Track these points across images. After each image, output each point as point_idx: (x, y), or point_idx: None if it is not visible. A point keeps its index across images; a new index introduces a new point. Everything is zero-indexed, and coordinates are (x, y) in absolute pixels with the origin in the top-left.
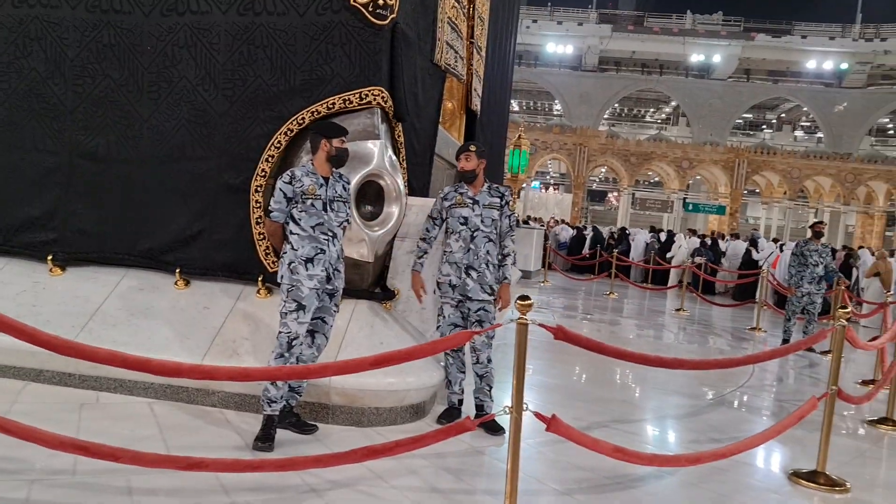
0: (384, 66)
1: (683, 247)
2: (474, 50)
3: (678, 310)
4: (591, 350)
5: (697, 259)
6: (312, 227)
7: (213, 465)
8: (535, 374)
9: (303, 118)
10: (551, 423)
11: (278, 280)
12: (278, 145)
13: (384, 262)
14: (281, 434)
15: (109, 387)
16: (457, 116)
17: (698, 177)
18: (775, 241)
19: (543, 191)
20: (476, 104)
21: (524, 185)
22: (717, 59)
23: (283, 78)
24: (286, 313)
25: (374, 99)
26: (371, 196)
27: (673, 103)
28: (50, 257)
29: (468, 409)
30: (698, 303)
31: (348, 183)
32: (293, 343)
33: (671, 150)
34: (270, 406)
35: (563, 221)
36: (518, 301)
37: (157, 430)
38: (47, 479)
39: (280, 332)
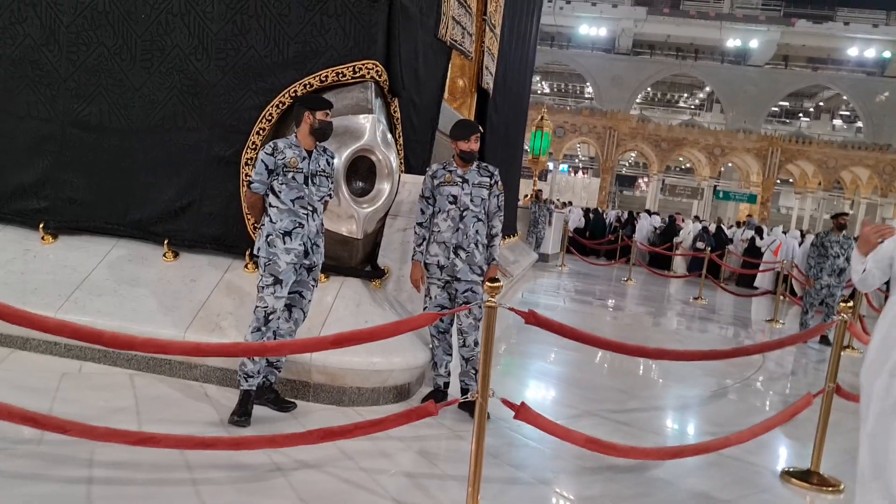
0: (380, 39)
1: (692, 233)
2: (486, 27)
3: (696, 298)
4: (563, 336)
5: (699, 244)
6: (292, 201)
7: (164, 440)
8: (538, 361)
9: (295, 91)
10: (520, 411)
11: (255, 252)
12: (269, 118)
13: (375, 240)
14: (259, 410)
15: (93, 357)
16: (468, 94)
17: (730, 164)
18: (803, 233)
19: (572, 174)
20: (488, 83)
21: (548, 167)
22: (754, 44)
23: (276, 49)
24: (263, 287)
25: (369, 73)
26: (363, 172)
27: (707, 89)
28: (41, 225)
29: (455, 391)
30: (718, 292)
31: (332, 157)
32: (270, 317)
33: (703, 137)
34: (247, 381)
35: (569, 203)
36: (487, 284)
37: (134, 401)
38: (10, 449)
39: (257, 307)
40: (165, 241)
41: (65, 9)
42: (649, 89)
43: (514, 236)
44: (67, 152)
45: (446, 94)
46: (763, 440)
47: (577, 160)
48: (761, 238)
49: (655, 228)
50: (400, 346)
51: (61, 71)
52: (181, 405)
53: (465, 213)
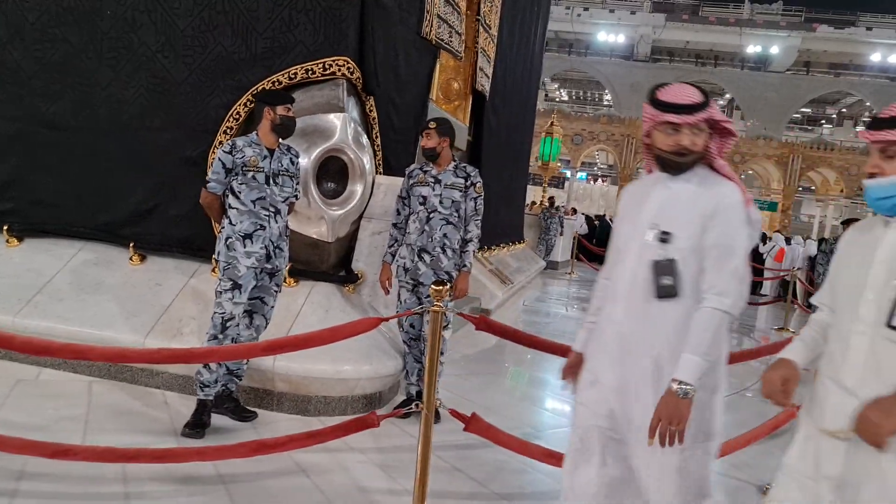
0: (351, 34)
1: None
2: (480, 27)
3: None
4: (511, 340)
5: None
6: (253, 202)
7: (82, 453)
8: (527, 367)
9: (263, 88)
10: (470, 423)
11: (215, 256)
12: (237, 116)
13: (349, 244)
14: (219, 420)
15: (53, 363)
16: (464, 97)
17: (750, 172)
18: (823, 240)
19: (592, 182)
20: (483, 85)
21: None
22: (775, 50)
23: (244, 45)
24: (221, 292)
25: (339, 69)
26: (334, 173)
27: (727, 96)
28: (6, 228)
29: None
30: None
31: (297, 156)
32: (227, 324)
33: None
34: (203, 390)
35: (574, 211)
36: (432, 287)
37: (85, 410)
38: None
39: (214, 313)
40: (131, 245)
41: (30, 6)
42: None
43: (520, 243)
44: (33, 153)
45: (439, 96)
46: (751, 454)
47: (595, 168)
48: (763, 244)
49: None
50: (369, 353)
51: (26, 69)
52: (135, 414)
53: (432, 215)
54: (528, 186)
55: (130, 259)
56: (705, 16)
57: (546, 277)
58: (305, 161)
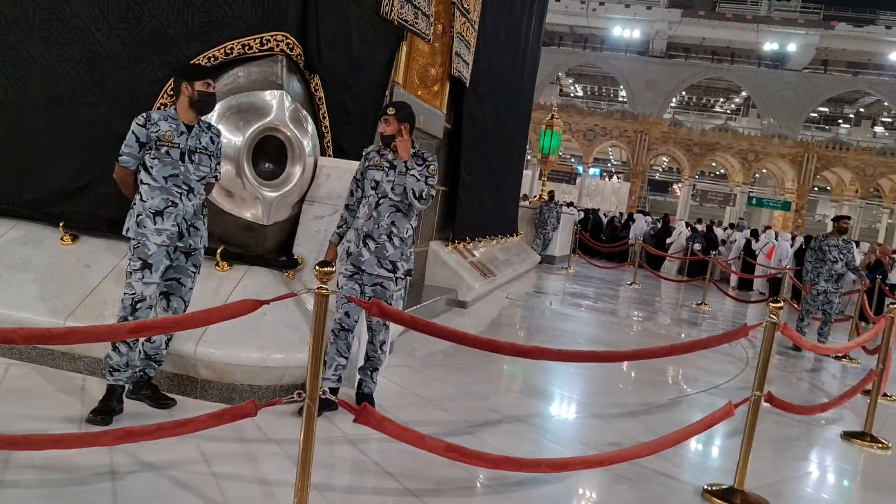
0: (292, 10)
1: (683, 234)
2: (456, 11)
3: (700, 304)
4: (407, 327)
5: (696, 246)
6: (165, 178)
7: None
8: (488, 364)
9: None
10: (360, 414)
11: (124, 233)
12: (171, 93)
13: (290, 228)
14: (135, 406)
15: None
16: (441, 83)
17: (764, 171)
18: (810, 237)
19: (607, 179)
20: (459, 70)
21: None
22: (792, 48)
23: (180, 19)
24: (131, 272)
25: (278, 45)
26: (273, 153)
27: (743, 93)
28: None
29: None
30: (723, 298)
31: (218, 135)
32: (138, 306)
33: (736, 142)
34: (112, 375)
35: (570, 204)
36: (316, 268)
37: None
38: None
39: (124, 294)
40: (61, 224)
41: None
42: (684, 93)
43: (513, 236)
44: None
45: (415, 82)
46: (690, 453)
47: (609, 164)
48: (756, 241)
49: (650, 229)
50: (299, 341)
51: None
52: (46, 399)
53: (381, 201)
54: (537, 180)
55: (61, 239)
56: (722, 12)
57: (541, 272)
58: (239, 140)
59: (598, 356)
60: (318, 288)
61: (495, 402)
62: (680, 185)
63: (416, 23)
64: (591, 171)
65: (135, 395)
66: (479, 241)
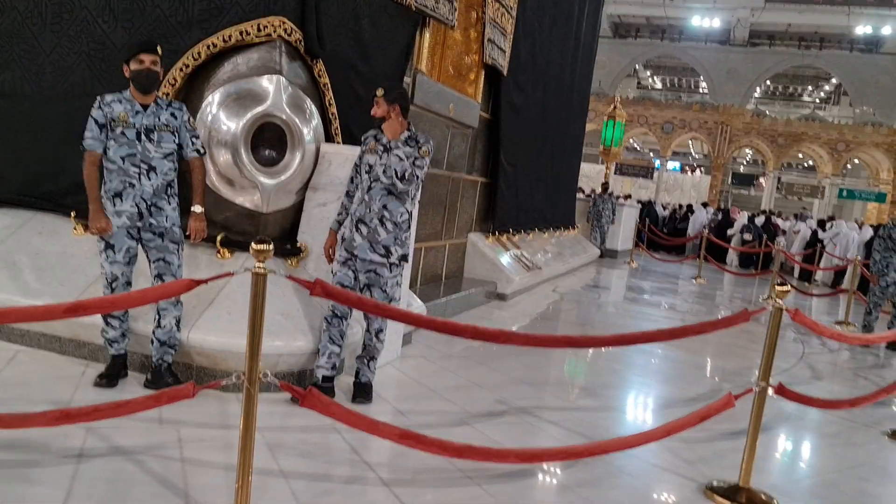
0: None
1: (740, 223)
2: None
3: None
4: (354, 307)
5: (746, 236)
6: (122, 158)
7: None
8: (511, 357)
9: (198, 52)
10: (306, 398)
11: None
12: (173, 82)
13: (294, 216)
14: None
15: None
16: (474, 70)
17: (856, 161)
18: (880, 225)
19: (688, 172)
20: (493, 58)
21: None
22: (887, 31)
23: (181, 7)
24: (99, 253)
25: (275, 30)
26: (273, 140)
27: (834, 80)
28: None
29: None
30: (792, 294)
31: (180, 109)
32: (113, 285)
33: (824, 131)
34: (112, 346)
35: (628, 197)
36: (253, 246)
37: None
38: None
39: (100, 274)
40: (73, 214)
41: None
42: (768, 82)
43: (570, 229)
44: None
45: (449, 71)
46: (694, 447)
47: (690, 157)
48: (823, 230)
49: (710, 221)
50: (293, 328)
51: None
52: (44, 383)
53: (373, 185)
54: (616, 176)
55: (74, 229)
56: None
57: (601, 266)
58: (236, 126)
59: (584, 342)
60: (255, 267)
61: (504, 394)
62: (764, 177)
63: (437, 8)
64: (670, 164)
65: (156, 385)
66: (527, 234)
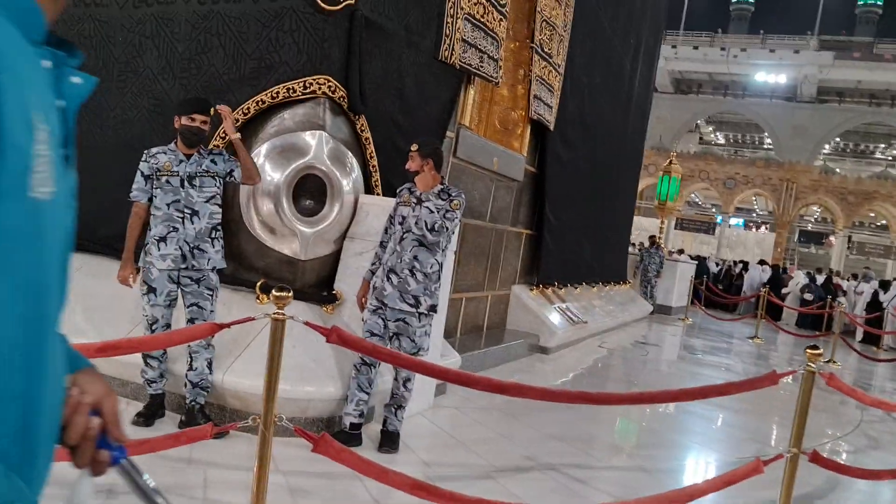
0: (336, 55)
1: (801, 283)
2: (534, 55)
3: (828, 362)
4: (368, 354)
5: (806, 296)
6: (168, 205)
7: None
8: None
9: (248, 108)
10: (318, 444)
11: (138, 263)
12: (224, 136)
13: (333, 264)
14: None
15: None
16: (521, 125)
17: None
18: None
19: (753, 229)
20: (539, 113)
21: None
22: None
23: (234, 66)
24: (142, 296)
25: (320, 88)
26: (314, 191)
27: None
28: None
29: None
30: (854, 356)
31: (220, 154)
32: (153, 327)
33: None
34: (151, 386)
35: (681, 252)
36: (273, 292)
37: None
38: None
39: (142, 316)
40: None
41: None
42: (838, 139)
43: (621, 284)
44: None
45: (496, 125)
46: None
47: (754, 214)
48: (885, 292)
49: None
50: (324, 374)
51: None
52: None
53: (405, 236)
54: (677, 231)
55: None
56: (880, 53)
57: (654, 322)
58: (279, 177)
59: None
60: (274, 313)
61: (533, 450)
62: (834, 236)
63: (482, 67)
64: (734, 220)
65: (189, 426)
66: (574, 288)
